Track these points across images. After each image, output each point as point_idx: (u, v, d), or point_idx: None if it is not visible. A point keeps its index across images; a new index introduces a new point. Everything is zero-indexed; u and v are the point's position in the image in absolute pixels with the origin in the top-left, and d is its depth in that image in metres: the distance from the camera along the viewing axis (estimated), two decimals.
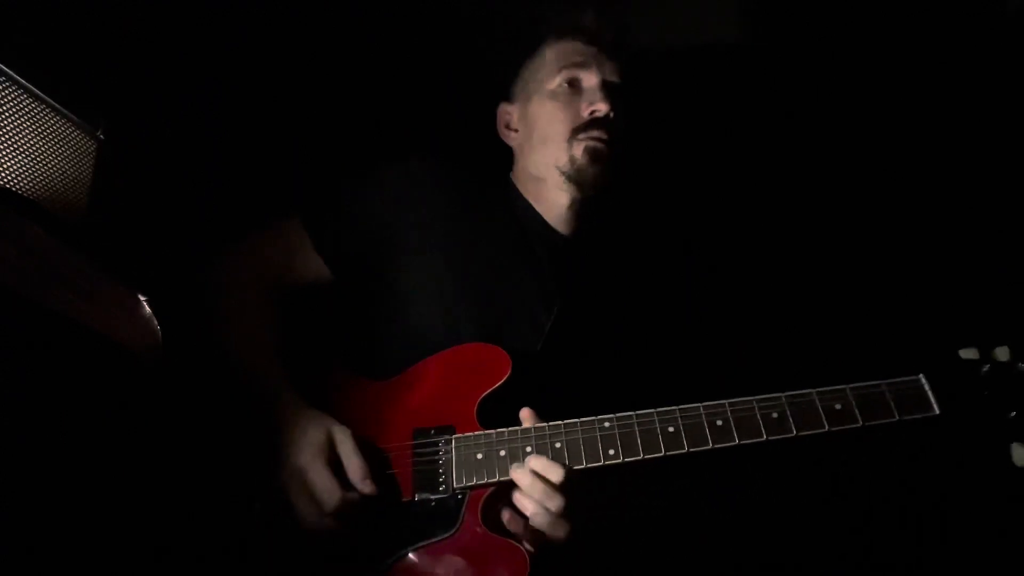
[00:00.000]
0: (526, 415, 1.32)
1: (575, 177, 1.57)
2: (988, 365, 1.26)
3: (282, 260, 1.54)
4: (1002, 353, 1.26)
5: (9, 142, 1.10)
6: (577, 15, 1.68)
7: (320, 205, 1.56)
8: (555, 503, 1.21)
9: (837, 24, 1.99)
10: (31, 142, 1.13)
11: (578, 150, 1.56)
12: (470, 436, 1.32)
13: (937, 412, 1.24)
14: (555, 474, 1.22)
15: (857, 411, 1.24)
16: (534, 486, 1.22)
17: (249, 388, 1.37)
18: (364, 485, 1.27)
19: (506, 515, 1.27)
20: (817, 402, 1.26)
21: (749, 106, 2.09)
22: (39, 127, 1.15)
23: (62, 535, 1.10)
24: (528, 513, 1.24)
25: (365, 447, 1.31)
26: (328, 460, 1.27)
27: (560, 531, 1.22)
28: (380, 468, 1.31)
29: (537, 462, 1.24)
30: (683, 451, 1.25)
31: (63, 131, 1.18)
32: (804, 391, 1.27)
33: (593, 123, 1.57)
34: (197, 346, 1.41)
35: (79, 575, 1.12)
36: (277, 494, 1.29)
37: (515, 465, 1.26)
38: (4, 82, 1.09)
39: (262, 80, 1.82)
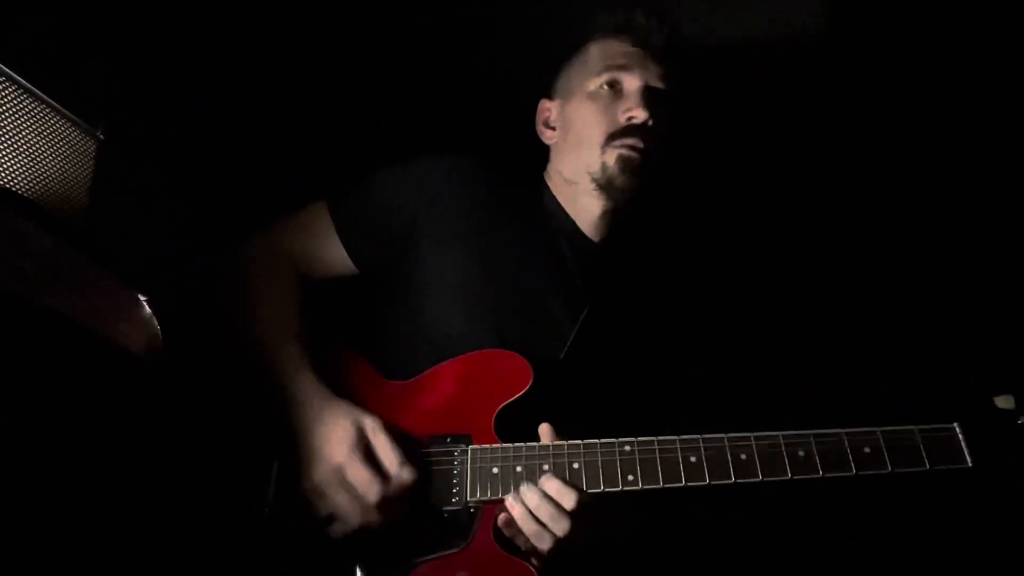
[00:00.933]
0: (545, 431, 1.28)
1: (605, 185, 1.50)
2: None
3: (305, 245, 1.49)
4: None
5: (9, 142, 1.09)
6: (627, 14, 1.59)
7: (346, 191, 1.51)
8: (561, 527, 1.18)
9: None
10: (31, 142, 1.12)
11: (610, 157, 1.49)
12: (487, 448, 1.29)
13: (970, 465, 1.20)
14: (568, 500, 1.19)
15: (887, 456, 1.20)
16: (541, 507, 1.19)
17: (271, 375, 1.32)
18: (403, 472, 1.24)
19: (502, 518, 1.24)
20: (846, 443, 1.21)
21: (793, 112, 2.00)
22: (39, 127, 1.13)
23: (62, 536, 1.09)
24: (529, 534, 1.20)
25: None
26: (364, 454, 1.24)
27: (553, 547, 1.19)
28: None
29: (551, 484, 1.20)
30: (704, 483, 1.21)
31: (63, 131, 1.17)
32: (833, 431, 1.22)
33: (629, 130, 1.49)
34: (204, 342, 1.37)
35: None
36: (310, 493, 1.25)
37: (527, 484, 1.21)
38: (4, 82, 1.08)
39: (262, 81, 1.79)
